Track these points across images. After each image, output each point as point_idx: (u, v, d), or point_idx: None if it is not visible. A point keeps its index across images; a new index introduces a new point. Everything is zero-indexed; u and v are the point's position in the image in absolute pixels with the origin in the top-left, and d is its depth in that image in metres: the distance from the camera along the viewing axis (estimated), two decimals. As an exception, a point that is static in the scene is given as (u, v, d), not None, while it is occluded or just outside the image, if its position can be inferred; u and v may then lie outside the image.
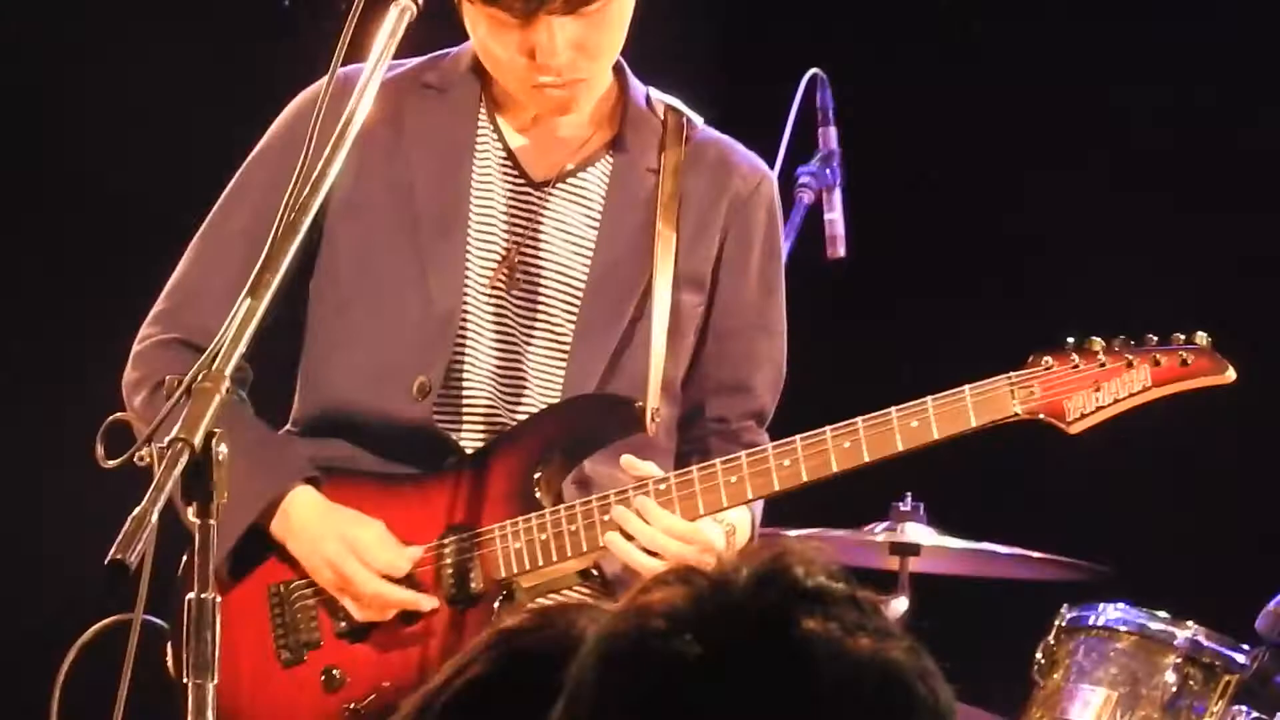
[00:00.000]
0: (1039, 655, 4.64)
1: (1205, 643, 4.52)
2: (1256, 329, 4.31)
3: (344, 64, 3.06)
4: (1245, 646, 4.51)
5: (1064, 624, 4.64)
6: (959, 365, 3.49)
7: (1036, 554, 4.84)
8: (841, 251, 4.75)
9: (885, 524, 4.78)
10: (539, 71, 3.43)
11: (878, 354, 5.75)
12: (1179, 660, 4.52)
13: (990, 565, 4.97)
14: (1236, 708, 4.48)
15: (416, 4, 3.07)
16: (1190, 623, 4.53)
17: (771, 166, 4.12)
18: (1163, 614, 4.57)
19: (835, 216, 4.74)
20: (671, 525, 3.42)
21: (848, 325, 5.72)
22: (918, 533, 4.75)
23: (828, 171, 4.74)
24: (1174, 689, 4.54)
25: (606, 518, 3.48)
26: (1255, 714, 4.49)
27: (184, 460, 2.68)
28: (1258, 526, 5.40)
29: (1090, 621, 4.64)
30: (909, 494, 4.74)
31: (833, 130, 4.77)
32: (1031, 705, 4.61)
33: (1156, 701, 4.58)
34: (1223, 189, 5.86)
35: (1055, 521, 5.37)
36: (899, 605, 4.69)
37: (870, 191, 5.09)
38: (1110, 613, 4.63)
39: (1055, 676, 4.63)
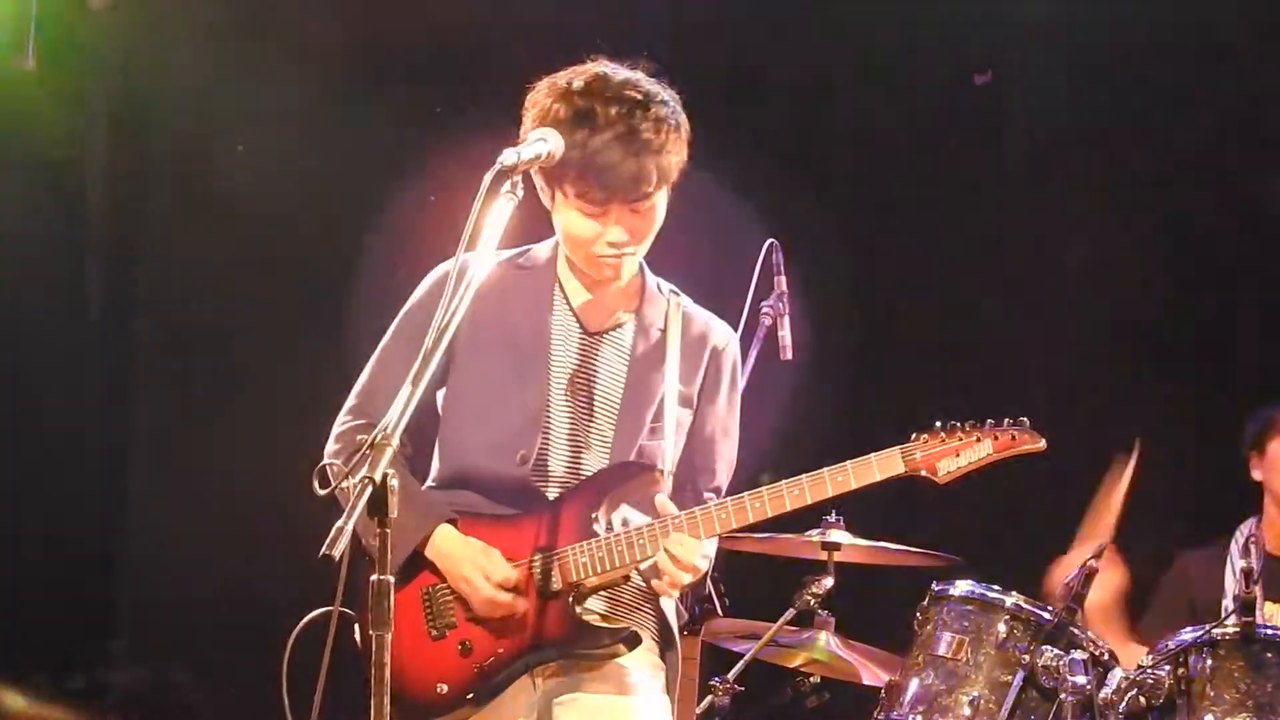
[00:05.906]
0: (918, 614, 5.25)
1: (1023, 605, 5.11)
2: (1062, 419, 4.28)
3: (464, 248, 3.35)
4: (1048, 609, 5.09)
5: (933, 594, 5.26)
6: (870, 436, 3.91)
7: (916, 549, 5.46)
8: (789, 356, 5.42)
9: (818, 530, 5.38)
10: (603, 246, 3.91)
11: (816, 428, 6.36)
12: (1007, 617, 5.09)
13: (886, 557, 5.50)
14: (1044, 647, 4.99)
15: (518, 196, 3.46)
16: (1014, 593, 5.14)
17: (744, 299, 4.76)
18: (996, 588, 5.16)
19: (785, 333, 5.42)
20: (693, 544, 3.83)
21: (796, 408, 6.22)
22: (839, 535, 5.40)
23: (780, 304, 5.44)
24: (1003, 635, 5.09)
25: (640, 541, 3.85)
26: (1055, 650, 4.98)
27: (369, 490, 3.00)
28: (1060, 537, 5.78)
29: (950, 592, 5.23)
30: (834, 510, 5.33)
31: (783, 278, 5.44)
32: (913, 645, 5.17)
33: (992, 644, 5.09)
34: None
35: (930, 528, 5.85)
36: (828, 583, 5.33)
37: (815, 314, 5.58)
38: (962, 587, 5.24)
39: (928, 627, 5.22)
